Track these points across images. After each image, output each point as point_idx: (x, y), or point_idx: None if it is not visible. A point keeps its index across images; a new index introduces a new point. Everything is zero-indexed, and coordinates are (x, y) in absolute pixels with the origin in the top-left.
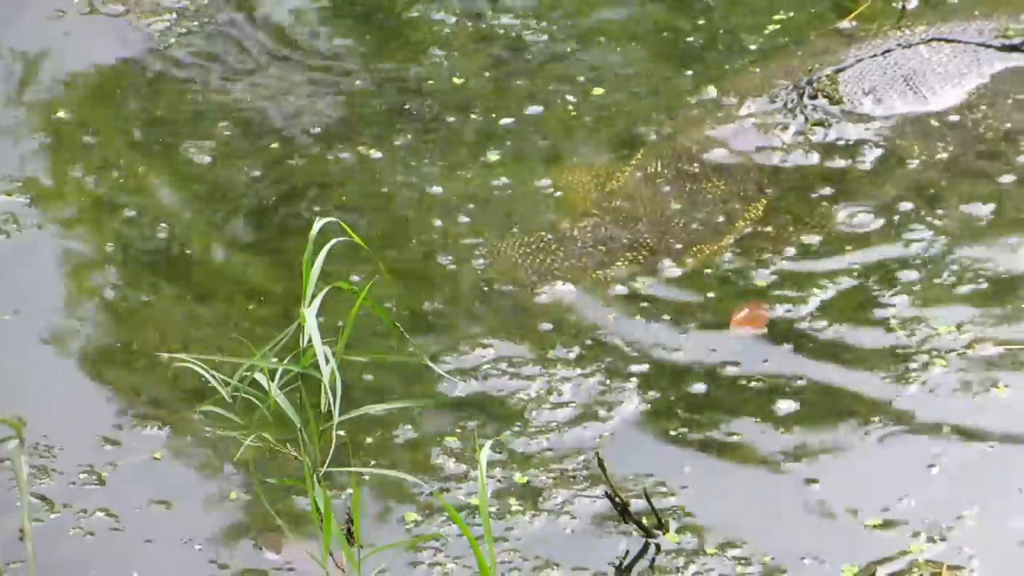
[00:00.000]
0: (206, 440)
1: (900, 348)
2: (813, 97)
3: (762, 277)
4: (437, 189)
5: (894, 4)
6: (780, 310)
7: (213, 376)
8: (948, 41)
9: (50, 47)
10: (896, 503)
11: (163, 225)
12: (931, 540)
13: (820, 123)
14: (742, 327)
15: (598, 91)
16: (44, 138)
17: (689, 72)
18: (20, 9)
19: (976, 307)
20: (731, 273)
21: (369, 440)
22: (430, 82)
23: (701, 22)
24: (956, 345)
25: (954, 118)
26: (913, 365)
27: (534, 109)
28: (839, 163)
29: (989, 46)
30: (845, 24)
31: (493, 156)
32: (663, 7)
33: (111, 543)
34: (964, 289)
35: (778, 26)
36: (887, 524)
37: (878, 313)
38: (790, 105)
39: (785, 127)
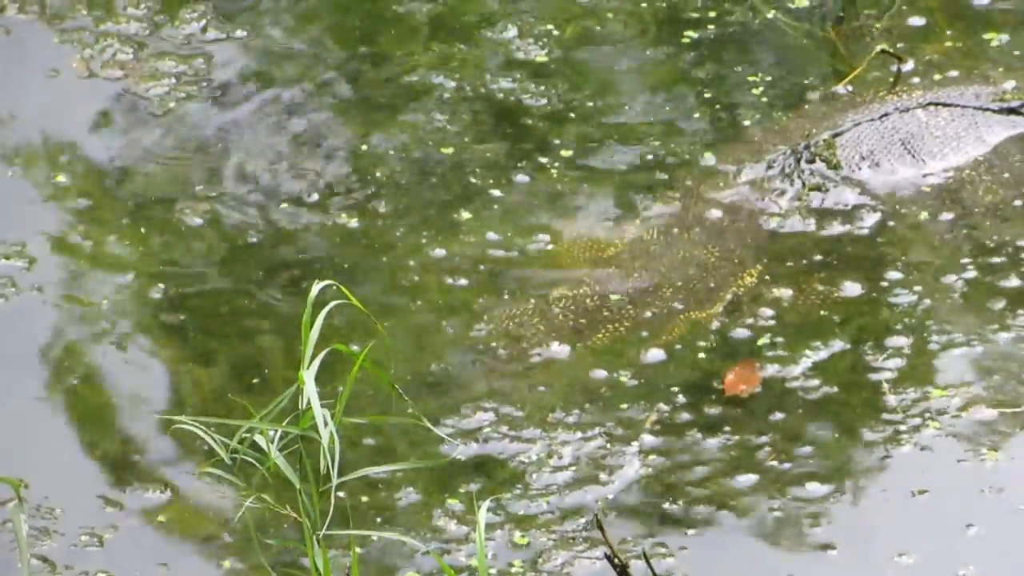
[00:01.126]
0: (207, 502)
1: (893, 410)
2: (811, 162)
3: (755, 341)
4: (439, 252)
5: (891, 67)
6: (773, 372)
7: (213, 438)
8: (946, 105)
9: (49, 111)
10: (893, 564)
11: (160, 286)
12: None
13: (817, 188)
14: (737, 387)
15: (597, 157)
16: (42, 202)
17: (688, 139)
18: (17, 73)
19: (969, 372)
20: (724, 337)
21: (371, 502)
22: (424, 146)
23: (701, 89)
24: (950, 408)
25: (952, 182)
26: (905, 427)
27: (530, 173)
28: (836, 228)
29: (987, 109)
30: (841, 88)
31: (489, 221)
32: (663, 74)
33: None
34: (957, 353)
35: (775, 91)
36: None
37: (871, 376)
38: (787, 170)
39: (782, 192)
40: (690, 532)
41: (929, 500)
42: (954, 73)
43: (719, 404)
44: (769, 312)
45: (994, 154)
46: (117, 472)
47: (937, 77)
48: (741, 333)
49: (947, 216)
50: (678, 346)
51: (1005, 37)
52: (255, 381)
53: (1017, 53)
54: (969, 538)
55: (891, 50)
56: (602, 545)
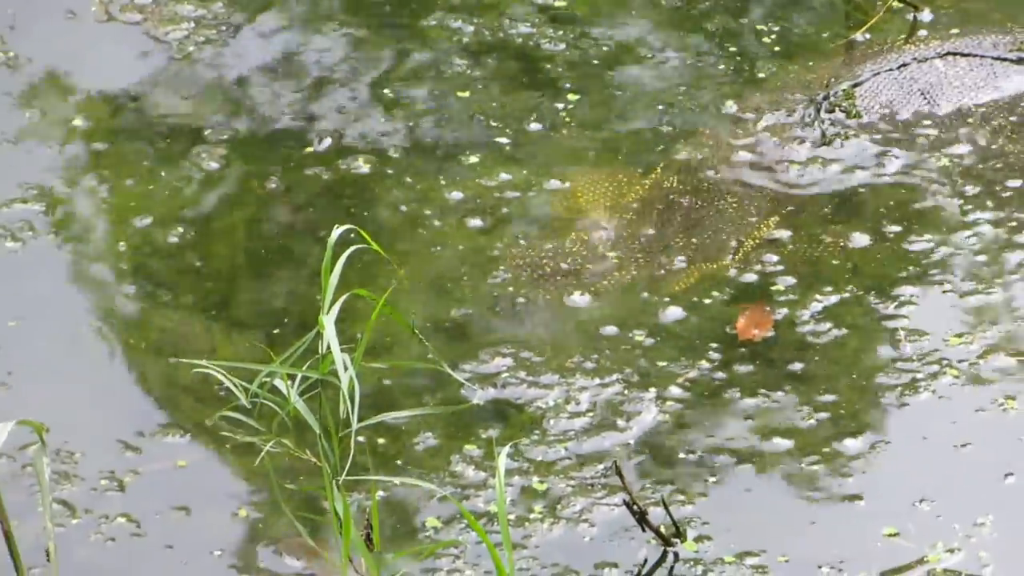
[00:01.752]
0: (227, 447)
1: (910, 358)
2: (830, 111)
3: (769, 289)
4: (455, 195)
5: (907, 16)
6: (787, 320)
7: (232, 382)
8: (964, 55)
9: (67, 55)
10: (912, 512)
11: (179, 229)
12: (949, 550)
13: (837, 137)
14: (749, 332)
15: (616, 103)
16: (59, 145)
17: (708, 87)
18: (36, 16)
19: (987, 319)
20: (738, 286)
21: (390, 446)
22: (442, 91)
23: (720, 37)
24: (968, 356)
25: (971, 132)
26: (922, 375)
27: (548, 119)
28: (854, 178)
29: (1005, 59)
30: (859, 37)
31: (506, 165)
32: (683, 20)
33: (131, 549)
34: (974, 300)
35: (793, 41)
36: (904, 533)
37: (887, 324)
38: (807, 120)
39: (802, 141)
40: (710, 479)
41: (948, 449)
42: (970, 24)
43: (734, 350)
44: (784, 261)
45: (1013, 104)
46: (137, 416)
47: (955, 30)
48: (755, 282)
49: (965, 166)
50: (694, 298)
51: None
52: (275, 328)
53: None
54: (992, 487)
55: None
56: (621, 491)
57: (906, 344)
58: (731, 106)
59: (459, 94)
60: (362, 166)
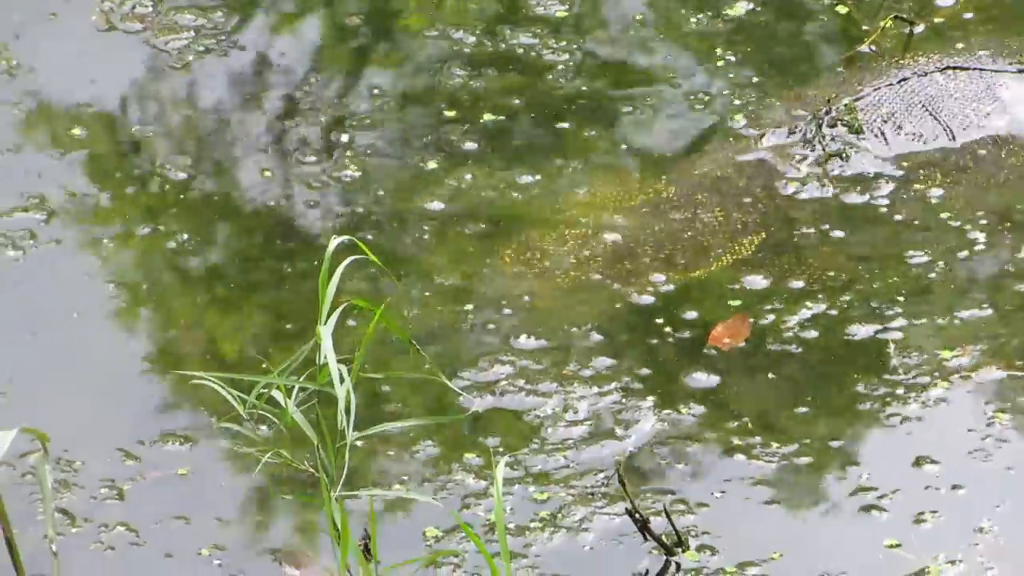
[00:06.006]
0: (226, 456)
1: (902, 369)
2: (832, 126)
3: (758, 300)
4: (437, 206)
5: (903, 31)
6: (769, 326)
7: (230, 394)
8: (963, 69)
9: (68, 64)
10: (913, 524)
11: (180, 237)
12: (950, 561)
13: (838, 154)
14: (721, 339)
15: (620, 115)
16: (59, 154)
17: (714, 100)
18: (36, 25)
19: (980, 334)
20: (726, 292)
21: (389, 454)
22: (442, 104)
23: (725, 51)
24: (959, 368)
25: (974, 144)
26: (916, 386)
27: (551, 128)
28: (854, 193)
29: (1005, 71)
30: (865, 48)
31: (503, 173)
32: (685, 34)
33: (131, 558)
34: (966, 314)
35: (796, 57)
36: (906, 545)
37: (880, 335)
38: (809, 136)
39: (803, 158)
40: (712, 489)
41: (949, 461)
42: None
43: (731, 359)
44: (772, 275)
45: (1015, 116)
46: (137, 425)
47: (960, 45)
48: (744, 291)
49: (968, 178)
50: (685, 304)
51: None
52: (277, 335)
53: None
54: (991, 497)
55: (903, 15)
56: (621, 501)
57: (895, 356)
58: (739, 121)
59: (451, 111)
60: (354, 172)
